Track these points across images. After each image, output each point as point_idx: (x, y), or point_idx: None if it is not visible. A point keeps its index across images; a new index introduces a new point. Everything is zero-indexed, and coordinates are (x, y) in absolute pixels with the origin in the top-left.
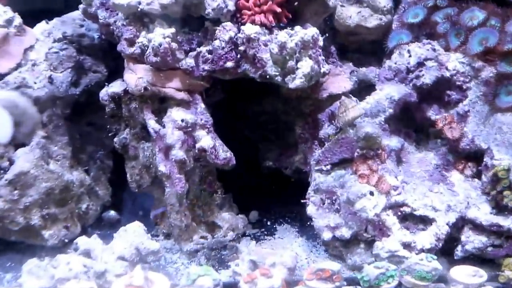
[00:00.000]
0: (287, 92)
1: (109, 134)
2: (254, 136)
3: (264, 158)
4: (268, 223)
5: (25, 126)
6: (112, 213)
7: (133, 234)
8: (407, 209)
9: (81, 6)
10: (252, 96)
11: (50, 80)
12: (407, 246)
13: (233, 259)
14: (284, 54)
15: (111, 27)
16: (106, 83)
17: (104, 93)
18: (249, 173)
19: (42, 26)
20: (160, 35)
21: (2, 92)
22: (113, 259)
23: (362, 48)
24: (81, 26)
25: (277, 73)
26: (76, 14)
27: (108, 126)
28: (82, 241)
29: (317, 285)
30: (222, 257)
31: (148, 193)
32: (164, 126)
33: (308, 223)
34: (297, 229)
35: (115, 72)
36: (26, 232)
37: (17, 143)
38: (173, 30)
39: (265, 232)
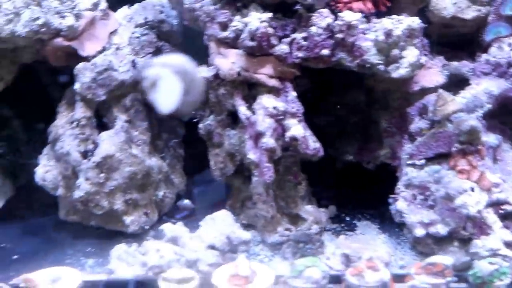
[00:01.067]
0: (373, 84)
1: (193, 121)
2: (330, 129)
3: (341, 152)
4: (347, 218)
5: (191, 95)
6: (187, 202)
7: (222, 223)
8: (508, 207)
9: None
10: (331, 88)
11: (133, 64)
12: (509, 245)
13: (318, 253)
14: (390, 42)
15: (196, 12)
16: None
17: None
18: (322, 167)
19: (124, 11)
20: (257, 19)
21: (174, 57)
22: (202, 247)
23: (453, 41)
24: (161, 12)
25: (380, 62)
26: (156, 0)
27: (193, 112)
28: (169, 228)
29: (427, 279)
30: (308, 250)
31: (228, 182)
32: (254, 113)
33: (390, 220)
34: (378, 226)
35: None
36: (108, 217)
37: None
38: (269, 14)
39: (345, 228)
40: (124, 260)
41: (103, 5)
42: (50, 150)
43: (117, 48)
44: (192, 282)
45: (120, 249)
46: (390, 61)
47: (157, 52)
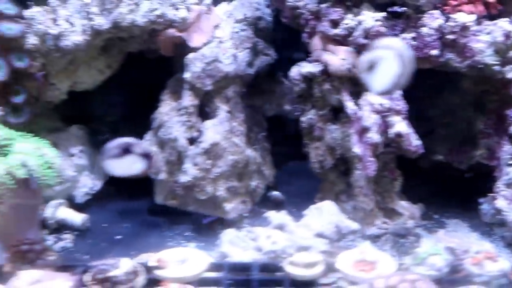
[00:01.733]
0: (470, 86)
1: (295, 114)
2: (418, 128)
3: (431, 152)
4: (435, 216)
5: (401, 79)
6: (277, 193)
7: (328, 213)
8: None
9: None
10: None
11: (235, 58)
12: None
13: (415, 247)
14: (508, 43)
15: (299, 10)
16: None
17: (296, 73)
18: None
19: (224, 6)
20: (371, 18)
21: (396, 40)
22: (310, 235)
23: None
24: (257, 9)
25: (497, 63)
26: None
27: (295, 106)
28: (274, 216)
29: None
30: (406, 244)
31: (321, 176)
32: (359, 109)
33: (479, 219)
34: (468, 224)
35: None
36: (208, 203)
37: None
38: (383, 14)
39: (436, 225)
40: (236, 244)
41: (208, 0)
42: (153, 136)
43: (220, 42)
44: (318, 266)
45: (231, 234)
46: (506, 62)
47: (253, 47)
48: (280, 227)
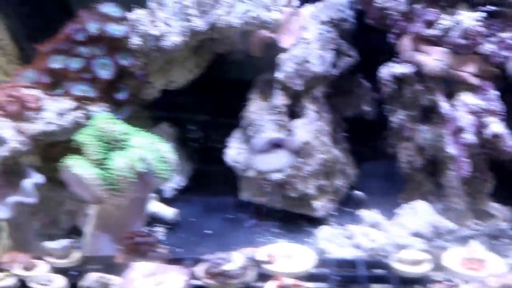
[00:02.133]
0: None
1: (383, 114)
2: None
3: None
4: None
5: None
6: (360, 193)
7: (423, 212)
8: None
9: None
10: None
11: (322, 59)
12: None
13: (509, 249)
14: None
15: (387, 11)
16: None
17: (387, 74)
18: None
19: (309, 8)
20: (469, 18)
21: None
22: (406, 234)
23: None
24: (341, 11)
25: None
26: None
27: (384, 106)
28: (367, 214)
29: None
30: (500, 245)
31: (407, 176)
32: (454, 109)
33: None
34: None
35: None
36: (297, 201)
37: None
38: (482, 14)
39: None
40: (333, 241)
41: (295, 2)
42: (242, 134)
43: (307, 43)
44: (426, 263)
45: (327, 231)
46: None
47: (337, 49)
48: (374, 225)
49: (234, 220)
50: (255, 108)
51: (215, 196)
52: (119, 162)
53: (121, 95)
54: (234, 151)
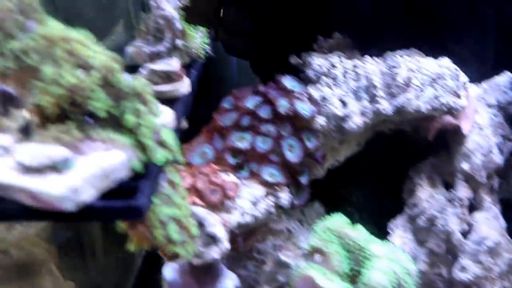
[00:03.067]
0: None
1: None
2: None
3: None
4: None
5: None
6: None
7: None
8: None
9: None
10: None
11: (497, 146)
12: None
13: None
14: None
15: None
16: None
17: None
18: None
19: (474, 89)
20: None
21: None
22: None
23: None
24: (505, 93)
25: None
26: (501, 80)
27: None
28: None
29: None
30: None
31: None
32: None
33: None
34: None
35: None
36: None
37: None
38: None
39: None
40: None
41: (463, 78)
42: (407, 222)
43: (480, 128)
44: None
45: None
46: None
47: (504, 133)
48: None
49: None
50: (426, 196)
51: None
52: (379, 277)
53: (303, 179)
54: (399, 240)
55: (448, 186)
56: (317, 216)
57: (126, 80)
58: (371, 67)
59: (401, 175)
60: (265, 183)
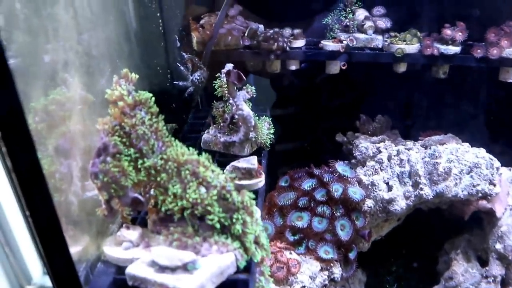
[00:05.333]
0: None
1: None
2: None
3: None
4: None
5: None
6: None
7: None
8: None
9: None
10: None
11: None
12: None
13: None
14: None
15: None
16: None
17: None
18: None
19: (507, 173)
20: None
21: None
22: None
23: None
24: None
25: None
26: None
27: None
28: None
29: None
30: None
31: None
32: None
33: None
34: None
35: None
36: None
37: None
38: None
39: None
40: None
41: (500, 169)
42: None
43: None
44: None
45: None
46: None
47: None
48: None
49: None
50: (461, 270)
51: None
52: None
53: (352, 255)
54: None
55: (482, 261)
56: (360, 283)
57: (237, 195)
58: (414, 155)
59: (437, 248)
60: (321, 260)
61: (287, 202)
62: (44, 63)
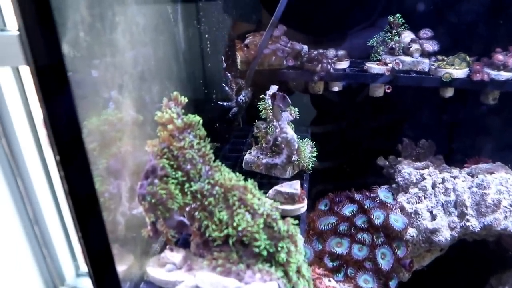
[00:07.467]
0: None
1: None
2: None
3: None
4: None
5: None
6: None
7: None
8: None
9: None
10: None
11: None
12: None
13: None
14: None
15: None
16: None
17: None
18: None
19: None
20: None
21: None
22: None
23: None
24: None
25: None
26: None
27: None
28: None
29: None
30: None
31: None
32: None
33: None
34: None
35: None
36: None
37: None
38: None
39: None
40: None
41: None
42: None
43: None
44: None
45: None
46: None
47: None
48: None
49: None
50: None
51: None
52: None
53: (392, 284)
54: None
55: None
56: None
57: (282, 224)
58: (461, 184)
59: (482, 282)
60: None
61: (327, 227)
62: (101, 87)
